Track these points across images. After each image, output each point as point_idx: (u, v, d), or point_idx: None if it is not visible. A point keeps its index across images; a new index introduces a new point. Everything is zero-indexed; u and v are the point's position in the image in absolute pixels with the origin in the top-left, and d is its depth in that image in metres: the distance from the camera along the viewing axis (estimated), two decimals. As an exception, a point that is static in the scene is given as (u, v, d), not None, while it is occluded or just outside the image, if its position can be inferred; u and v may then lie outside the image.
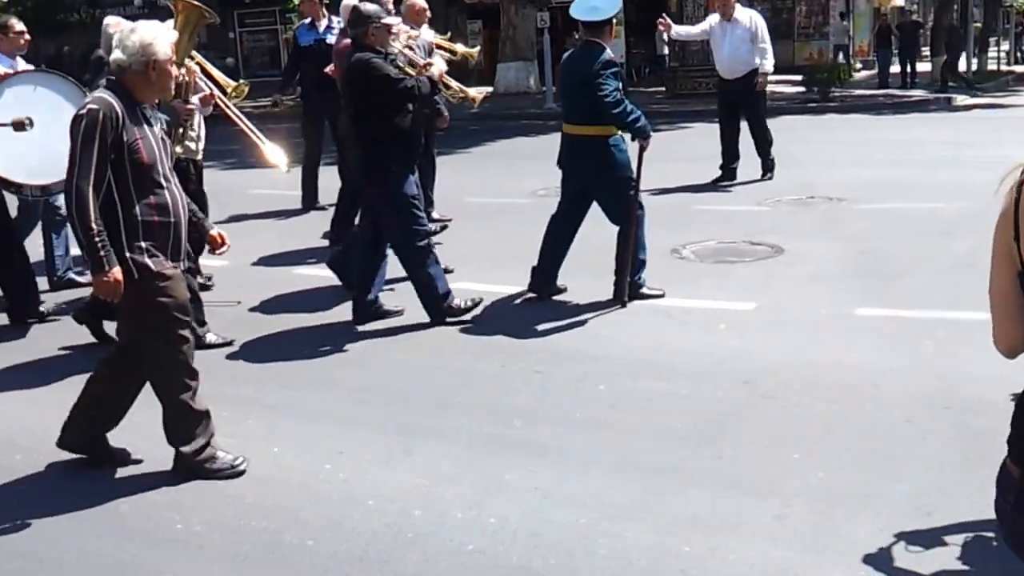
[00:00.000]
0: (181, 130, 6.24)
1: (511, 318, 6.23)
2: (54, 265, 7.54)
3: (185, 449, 4.28)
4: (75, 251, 6.92)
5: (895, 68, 23.02)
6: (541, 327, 6.02)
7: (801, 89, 20.07)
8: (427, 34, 7.93)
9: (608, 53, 6.32)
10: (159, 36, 4.15)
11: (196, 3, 6.05)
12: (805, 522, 3.59)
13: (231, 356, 5.83)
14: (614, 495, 3.86)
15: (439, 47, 7.81)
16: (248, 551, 3.65)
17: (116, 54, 4.13)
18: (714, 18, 10.78)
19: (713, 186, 10.46)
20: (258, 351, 5.89)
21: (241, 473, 4.30)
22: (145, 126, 4.15)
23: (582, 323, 6.08)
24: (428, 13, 8.22)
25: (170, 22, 5.28)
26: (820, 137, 14.35)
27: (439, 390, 5.08)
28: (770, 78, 10.54)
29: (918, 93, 20.37)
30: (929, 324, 5.56)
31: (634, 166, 6.41)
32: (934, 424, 4.31)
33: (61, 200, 6.59)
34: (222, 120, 6.60)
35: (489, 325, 6.10)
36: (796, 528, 3.56)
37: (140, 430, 4.44)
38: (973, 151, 11.81)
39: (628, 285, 6.41)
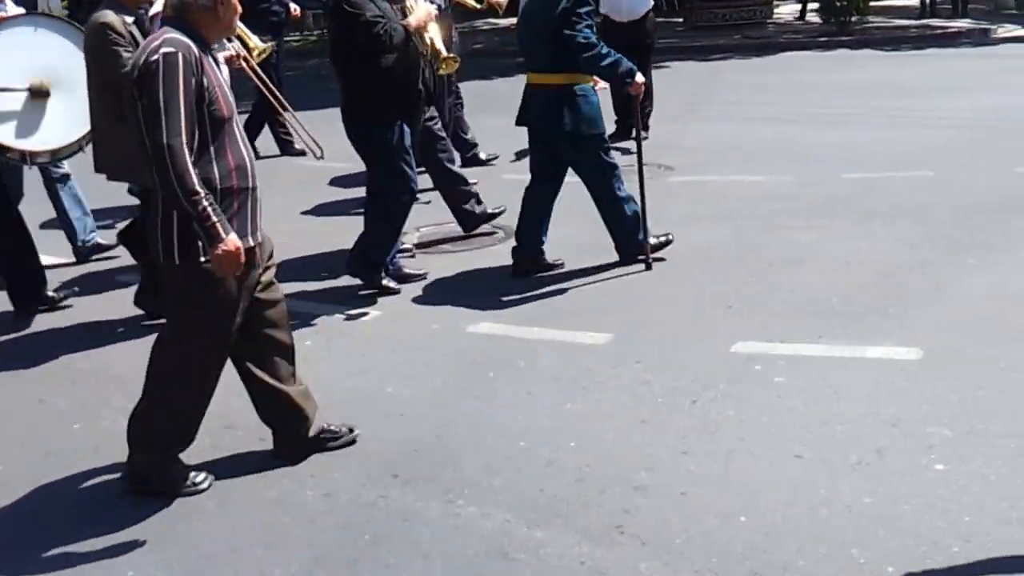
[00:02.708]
0: None
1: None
2: (74, 229, 6.86)
3: (143, 459, 3.94)
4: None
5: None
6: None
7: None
8: None
9: None
10: None
11: None
12: None
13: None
14: None
15: None
16: None
17: None
18: None
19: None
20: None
21: (203, 491, 3.96)
22: (218, 71, 3.74)
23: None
24: None
25: None
26: (772, 83, 13.38)
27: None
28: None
29: (960, 24, 18.55)
30: (532, 344, 5.19)
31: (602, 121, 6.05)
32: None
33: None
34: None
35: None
36: None
37: None
38: (921, 101, 11.27)
39: (638, 245, 6.15)
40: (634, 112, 6.50)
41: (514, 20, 6.69)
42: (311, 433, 4.18)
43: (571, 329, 5.37)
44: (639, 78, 5.96)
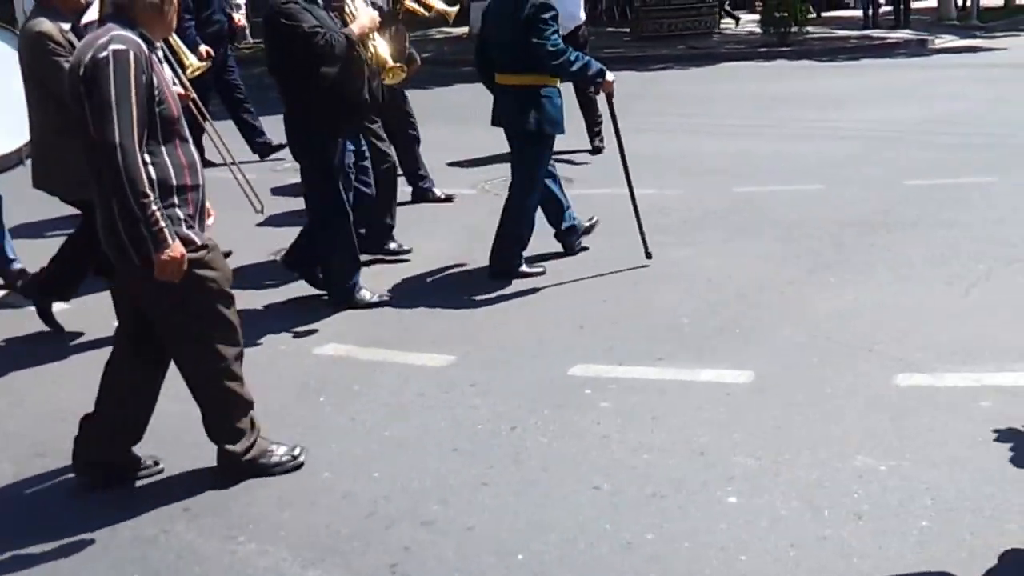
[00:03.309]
0: None
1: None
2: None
3: (233, 448, 3.94)
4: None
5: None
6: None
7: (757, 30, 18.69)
8: None
9: None
10: None
11: None
12: None
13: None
14: None
15: None
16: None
17: None
18: None
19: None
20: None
21: (300, 465, 4.07)
22: (165, 69, 3.71)
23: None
24: None
25: None
26: (702, 93, 13.25)
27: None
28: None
29: (900, 35, 18.60)
30: (373, 366, 5.09)
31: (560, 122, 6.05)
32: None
33: None
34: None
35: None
36: None
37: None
38: (837, 112, 11.30)
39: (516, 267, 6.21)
40: (610, 113, 6.31)
41: (464, 29, 6.50)
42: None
43: (417, 351, 5.24)
44: (610, 77, 5.93)
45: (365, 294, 5.85)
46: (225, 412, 3.94)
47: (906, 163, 8.52)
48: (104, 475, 4.04)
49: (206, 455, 4.10)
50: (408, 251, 6.73)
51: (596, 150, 9.39)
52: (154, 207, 3.43)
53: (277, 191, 8.35)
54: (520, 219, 6.17)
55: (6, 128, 5.44)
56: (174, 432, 4.37)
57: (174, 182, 3.56)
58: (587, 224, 6.72)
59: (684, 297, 5.75)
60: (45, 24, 4.94)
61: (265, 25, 5.55)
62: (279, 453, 4.06)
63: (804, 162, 8.79)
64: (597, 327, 5.41)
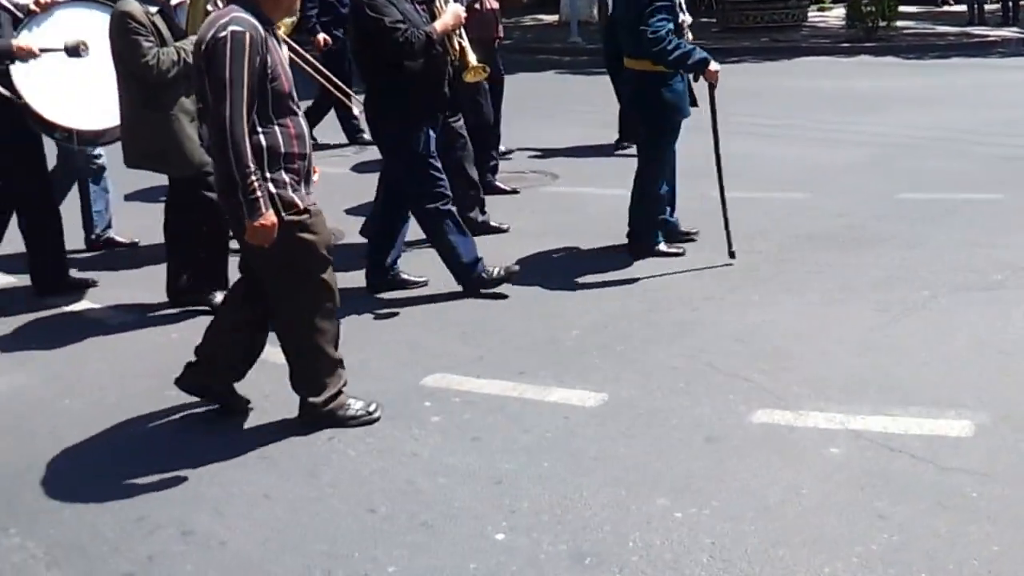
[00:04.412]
0: None
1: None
2: (91, 221, 6.81)
3: (315, 399, 4.11)
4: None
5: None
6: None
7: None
8: None
9: None
10: None
11: None
12: None
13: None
14: None
15: None
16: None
17: None
18: None
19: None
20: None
21: (376, 419, 4.18)
22: (280, 48, 3.93)
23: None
24: None
25: None
26: (762, 87, 12.66)
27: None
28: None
29: (1003, 33, 17.50)
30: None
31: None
32: None
33: (100, 150, 6.49)
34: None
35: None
36: None
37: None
38: (874, 116, 10.59)
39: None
40: (711, 105, 6.03)
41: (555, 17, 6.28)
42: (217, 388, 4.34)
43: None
44: (714, 66, 5.77)
45: (491, 270, 5.68)
46: (311, 366, 4.12)
47: (912, 174, 7.91)
48: (198, 391, 4.34)
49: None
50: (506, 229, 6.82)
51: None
52: (254, 178, 3.71)
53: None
54: (648, 202, 6.17)
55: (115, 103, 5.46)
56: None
57: (283, 150, 3.85)
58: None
59: (589, 308, 5.40)
60: (131, 4, 5.11)
61: (351, 14, 5.57)
62: (356, 407, 4.20)
63: (804, 168, 8.27)
64: (480, 336, 5.10)
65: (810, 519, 3.39)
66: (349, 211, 7.35)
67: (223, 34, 3.69)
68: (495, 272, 5.65)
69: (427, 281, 5.82)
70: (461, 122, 6.61)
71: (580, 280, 5.87)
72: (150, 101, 5.16)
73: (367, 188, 6.71)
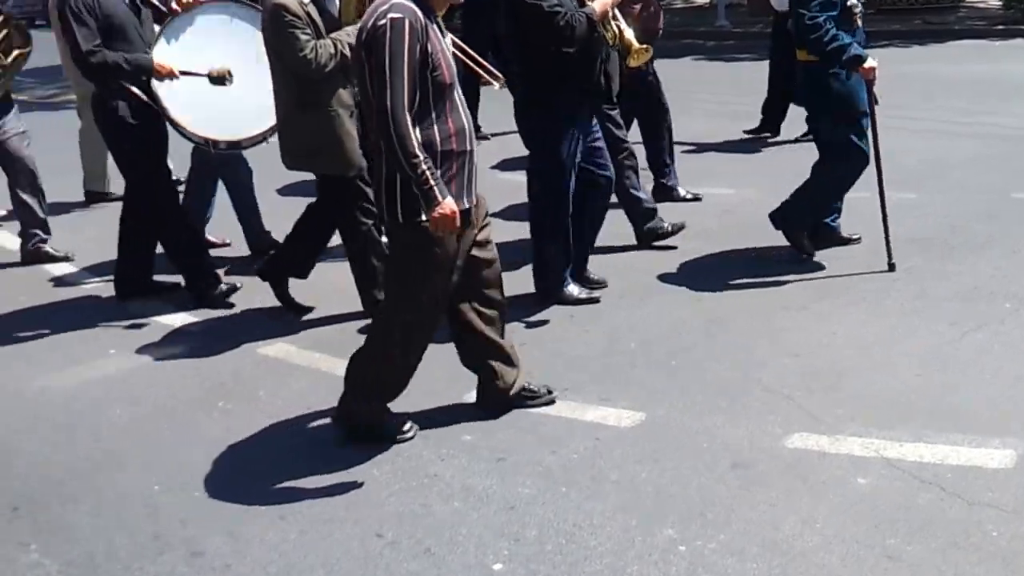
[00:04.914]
0: None
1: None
2: (252, 228, 6.79)
3: (360, 405, 4.13)
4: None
5: None
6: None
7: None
8: None
9: None
10: None
11: None
12: None
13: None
14: None
15: None
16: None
17: None
18: None
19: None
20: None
21: (408, 439, 4.18)
22: (442, 38, 3.82)
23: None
24: None
25: None
26: (901, 73, 11.85)
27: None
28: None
29: None
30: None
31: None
32: None
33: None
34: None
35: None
36: None
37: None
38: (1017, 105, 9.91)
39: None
40: (869, 103, 5.70)
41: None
42: (513, 391, 4.32)
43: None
44: (870, 63, 5.49)
45: (573, 289, 5.57)
46: (377, 376, 4.06)
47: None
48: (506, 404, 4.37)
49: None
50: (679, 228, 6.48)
51: None
52: (424, 167, 3.59)
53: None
54: (823, 194, 5.95)
55: (256, 110, 5.55)
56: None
57: (439, 147, 3.72)
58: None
59: (661, 317, 5.32)
60: None
61: (505, 3, 5.36)
62: (392, 424, 4.17)
63: (921, 163, 7.89)
64: (537, 349, 5.05)
65: (815, 556, 3.26)
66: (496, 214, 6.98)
67: (383, 21, 3.60)
68: (581, 294, 5.54)
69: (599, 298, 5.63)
70: (624, 133, 6.29)
71: (659, 285, 5.79)
72: (306, 96, 5.04)
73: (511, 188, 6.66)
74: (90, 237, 7.17)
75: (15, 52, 6.33)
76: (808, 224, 5.99)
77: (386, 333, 4.05)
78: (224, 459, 4.22)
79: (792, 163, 7.34)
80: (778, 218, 5.97)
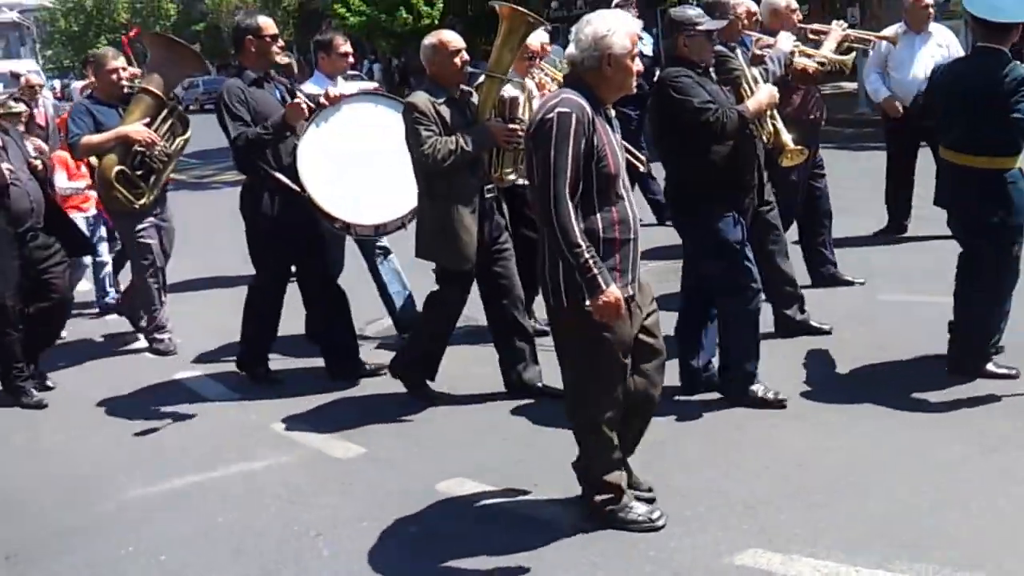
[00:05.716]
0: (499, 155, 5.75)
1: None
2: (393, 304, 6.86)
3: (596, 497, 4.13)
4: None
5: None
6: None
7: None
8: (785, 42, 6.34)
9: (1020, 66, 5.07)
10: (615, 27, 3.86)
11: (520, 9, 5.47)
12: None
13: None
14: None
15: (803, 53, 6.42)
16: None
17: (570, 48, 3.96)
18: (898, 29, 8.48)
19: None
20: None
21: (659, 528, 4.06)
22: (610, 130, 3.94)
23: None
24: (798, 14, 6.74)
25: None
26: None
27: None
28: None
29: None
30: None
31: None
32: None
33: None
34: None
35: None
36: None
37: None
38: None
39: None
40: None
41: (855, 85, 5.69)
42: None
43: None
44: None
45: (758, 388, 5.23)
46: (594, 459, 4.09)
47: None
48: None
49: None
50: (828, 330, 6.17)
51: None
52: (587, 255, 3.68)
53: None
54: (982, 322, 5.31)
55: (399, 195, 5.72)
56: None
57: (602, 235, 3.81)
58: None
59: (669, 416, 5.02)
60: (418, 96, 5.31)
61: (654, 96, 5.28)
62: (638, 511, 4.10)
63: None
64: (524, 443, 5.00)
65: None
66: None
67: (550, 116, 3.73)
68: (767, 394, 5.18)
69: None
70: (776, 212, 5.94)
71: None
72: (434, 188, 5.28)
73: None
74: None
75: (178, 140, 6.64)
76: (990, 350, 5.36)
77: (582, 424, 4.07)
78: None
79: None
80: (959, 363, 5.35)
